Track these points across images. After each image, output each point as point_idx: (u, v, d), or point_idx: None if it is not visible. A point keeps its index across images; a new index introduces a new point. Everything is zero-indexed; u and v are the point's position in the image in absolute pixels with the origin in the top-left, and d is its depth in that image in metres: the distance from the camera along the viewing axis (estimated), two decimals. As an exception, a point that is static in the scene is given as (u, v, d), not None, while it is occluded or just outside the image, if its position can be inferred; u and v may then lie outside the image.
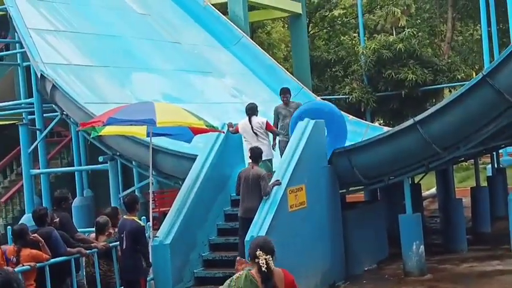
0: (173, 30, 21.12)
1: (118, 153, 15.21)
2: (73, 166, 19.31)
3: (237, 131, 12.74)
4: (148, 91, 16.96)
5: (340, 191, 13.36)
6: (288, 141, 12.61)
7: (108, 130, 11.23)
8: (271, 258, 5.17)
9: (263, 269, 5.11)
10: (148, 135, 11.66)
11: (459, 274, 12.98)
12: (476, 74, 25.86)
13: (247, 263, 5.97)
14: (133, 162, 15.24)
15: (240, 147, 13.16)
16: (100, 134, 11.36)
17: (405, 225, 13.01)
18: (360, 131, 18.55)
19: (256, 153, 11.34)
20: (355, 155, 12.94)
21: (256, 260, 5.15)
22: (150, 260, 10.08)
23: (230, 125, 12.87)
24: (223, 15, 22.66)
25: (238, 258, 10.95)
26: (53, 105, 16.18)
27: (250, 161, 11.35)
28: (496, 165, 19.89)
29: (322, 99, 21.19)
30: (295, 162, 11.76)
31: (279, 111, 13.58)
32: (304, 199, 11.87)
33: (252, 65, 21.42)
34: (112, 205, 14.59)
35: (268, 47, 31.31)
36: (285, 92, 13.79)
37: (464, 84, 14.00)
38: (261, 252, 5.18)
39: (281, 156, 12.41)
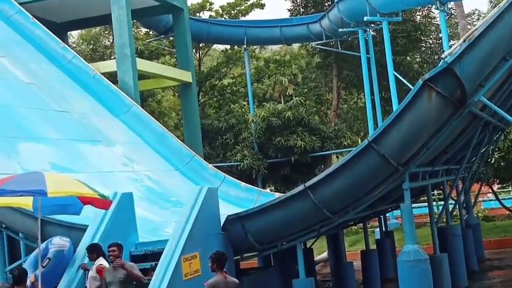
0: (62, 99, 20.79)
1: (3, 225, 14.65)
2: (-45, 241, 18.38)
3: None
4: (35, 161, 16.50)
5: (234, 258, 13.35)
6: None
7: (-8, 202, 10.84)
8: None
9: None
10: (33, 206, 11.34)
11: (353, 337, 13.13)
12: (361, 141, 26.81)
13: None
14: (20, 234, 14.70)
15: (131, 216, 12.98)
16: (-16, 206, 10.95)
17: (299, 290, 13.10)
18: (252, 197, 18.69)
19: (223, 259, 9.84)
20: (248, 221, 13.02)
21: None
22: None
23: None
24: (113, 84, 22.56)
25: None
26: None
27: (222, 271, 9.65)
28: (384, 229, 20.46)
29: (214, 166, 21.31)
30: (189, 230, 11.70)
31: (106, 275, 10.57)
32: (199, 267, 11.78)
33: (143, 133, 21.29)
34: (-2, 280, 14.03)
35: (159, 115, 31.44)
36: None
37: (350, 150, 14.44)
38: None
39: None
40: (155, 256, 11.92)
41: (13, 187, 10.28)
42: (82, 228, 12.50)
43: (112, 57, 30.15)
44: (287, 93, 35.29)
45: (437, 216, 16.28)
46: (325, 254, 22.21)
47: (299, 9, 34.99)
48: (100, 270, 10.82)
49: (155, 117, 25.05)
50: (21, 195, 10.51)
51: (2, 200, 10.87)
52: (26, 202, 11.14)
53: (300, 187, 12.87)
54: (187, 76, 26.67)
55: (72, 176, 12.60)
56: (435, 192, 25.84)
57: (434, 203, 24.73)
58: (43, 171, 12.36)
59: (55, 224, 13.25)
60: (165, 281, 10.73)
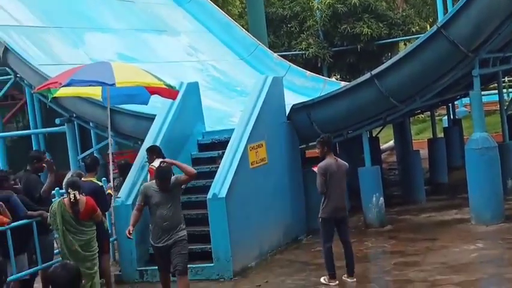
0: (125, -12, 20.74)
1: (75, 115, 15.03)
2: (29, 129, 18.98)
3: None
4: (102, 51, 16.69)
5: (300, 147, 13.45)
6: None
7: (63, 92, 11.06)
8: (77, 192, 8.38)
9: (72, 199, 8.35)
10: (102, 96, 11.57)
11: (418, 224, 13.23)
12: (430, 27, 26.06)
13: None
14: (91, 124, 15.08)
15: (198, 105, 13.11)
16: (54, 95, 11.19)
17: (364, 177, 13.17)
18: (317, 86, 18.59)
19: (331, 142, 9.99)
20: (314, 110, 13.01)
21: (68, 194, 8.37)
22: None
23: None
24: (175, -28, 22.31)
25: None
26: (6, 68, 15.87)
27: (332, 154, 9.65)
28: (451, 117, 20.18)
29: (278, 55, 21.16)
30: (255, 119, 11.77)
31: (148, 194, 8.89)
32: (265, 155, 11.92)
33: (207, 22, 21.18)
34: (71, 167, 14.54)
35: (222, 4, 30.98)
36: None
37: (419, 37, 14.09)
38: (70, 189, 8.37)
39: None
40: (222, 145, 12.10)
41: (82, 77, 10.46)
42: (150, 118, 12.70)
43: None
44: (353, -21, 34.27)
45: (507, 103, 15.91)
46: (391, 143, 22.15)
47: None
48: (150, 170, 10.59)
49: (219, 6, 24.78)
50: (90, 85, 10.73)
51: (71, 90, 11.12)
52: (95, 92, 11.40)
53: (367, 75, 12.71)
54: (250, -37, 26.10)
55: (138, 66, 12.69)
56: (506, 79, 25.18)
57: (505, 90, 24.15)
58: (110, 61, 12.53)
59: (124, 113, 13.54)
60: (232, 169, 10.91)
